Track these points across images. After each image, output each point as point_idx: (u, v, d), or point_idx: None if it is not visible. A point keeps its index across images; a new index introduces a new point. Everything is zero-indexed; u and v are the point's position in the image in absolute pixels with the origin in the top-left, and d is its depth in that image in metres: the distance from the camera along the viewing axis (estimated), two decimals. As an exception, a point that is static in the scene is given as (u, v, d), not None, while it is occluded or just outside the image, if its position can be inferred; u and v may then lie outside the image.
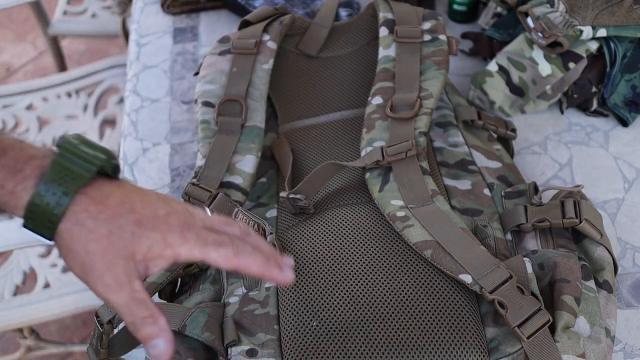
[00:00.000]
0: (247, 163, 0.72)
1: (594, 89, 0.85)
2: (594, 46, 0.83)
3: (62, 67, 1.72)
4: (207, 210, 0.57)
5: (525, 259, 0.60)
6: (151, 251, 0.47)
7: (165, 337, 0.46)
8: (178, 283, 0.70)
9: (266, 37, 0.82)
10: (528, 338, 0.55)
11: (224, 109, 0.75)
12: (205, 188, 0.68)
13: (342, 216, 0.67)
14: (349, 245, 0.64)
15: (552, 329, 0.57)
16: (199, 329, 0.59)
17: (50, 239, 0.47)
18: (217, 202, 0.67)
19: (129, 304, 0.46)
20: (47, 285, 1.16)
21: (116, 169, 0.49)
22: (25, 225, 0.47)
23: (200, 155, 0.73)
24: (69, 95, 1.47)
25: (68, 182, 0.45)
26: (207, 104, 0.76)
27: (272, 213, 0.72)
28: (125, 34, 1.57)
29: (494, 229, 0.66)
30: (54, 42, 1.68)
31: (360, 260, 0.63)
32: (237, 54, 0.80)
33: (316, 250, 0.65)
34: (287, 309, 0.61)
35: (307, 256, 0.64)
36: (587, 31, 0.81)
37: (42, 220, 0.46)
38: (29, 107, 1.47)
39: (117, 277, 0.46)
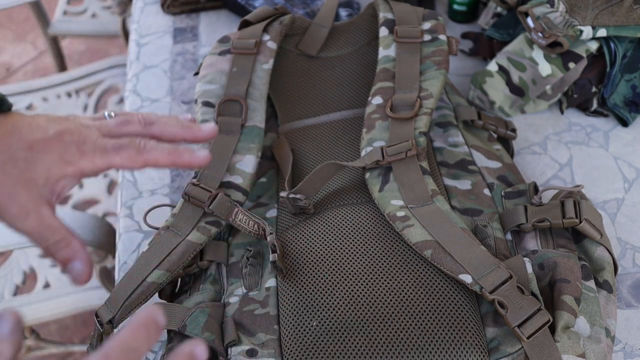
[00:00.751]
0: (247, 163, 0.72)
1: (594, 89, 0.85)
2: (594, 46, 0.83)
3: (62, 67, 1.72)
4: (106, 113, 0.53)
5: (525, 259, 0.60)
6: (51, 173, 0.46)
7: (80, 258, 0.47)
8: (178, 283, 0.70)
9: (266, 37, 0.82)
10: (528, 338, 0.55)
11: (224, 109, 0.75)
12: (205, 188, 0.68)
13: (342, 216, 0.67)
14: (349, 245, 0.64)
15: (552, 329, 0.57)
16: (199, 329, 0.59)
17: None
18: (216, 202, 0.67)
19: (38, 231, 0.46)
20: (47, 285, 1.16)
21: (6, 104, 0.48)
22: None
23: None
24: (69, 95, 1.47)
25: None
26: (207, 104, 0.76)
27: (272, 213, 0.72)
28: (125, 34, 1.57)
29: (494, 229, 0.66)
30: (54, 42, 1.68)
31: (360, 260, 0.63)
32: (237, 54, 0.80)
33: (316, 250, 0.65)
34: (287, 308, 0.61)
35: (307, 256, 0.64)
36: (587, 31, 0.81)
37: None
38: (29, 107, 1.47)
39: (21, 206, 0.45)
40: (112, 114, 0.52)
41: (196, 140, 0.53)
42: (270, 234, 0.64)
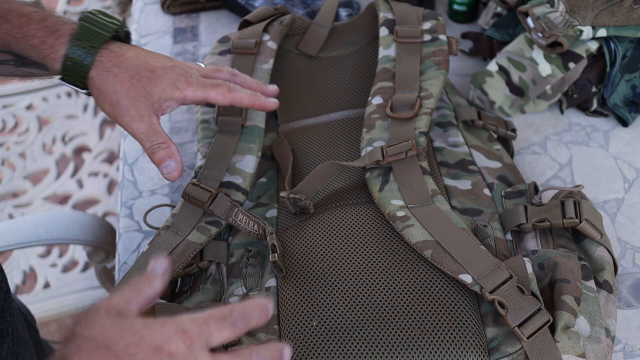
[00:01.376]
0: (247, 163, 0.72)
1: (594, 89, 0.85)
2: (594, 46, 0.83)
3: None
4: (199, 63, 0.68)
5: (525, 259, 0.60)
6: (164, 93, 0.60)
7: (175, 159, 0.61)
8: (178, 283, 0.70)
9: (266, 37, 0.82)
10: (528, 338, 0.55)
11: (224, 109, 0.75)
12: (205, 188, 0.68)
13: (342, 216, 0.67)
14: (349, 245, 0.64)
15: (552, 329, 0.57)
16: None
17: (83, 88, 0.59)
18: (216, 202, 0.67)
19: (147, 132, 0.59)
20: (47, 285, 1.16)
21: (128, 35, 0.63)
22: (62, 79, 0.59)
23: (200, 155, 0.73)
24: (69, 95, 1.47)
25: (93, 39, 0.58)
26: (207, 104, 0.76)
27: (272, 213, 0.72)
28: (125, 34, 1.57)
29: (494, 229, 0.66)
30: (54, 42, 1.68)
31: (361, 260, 0.63)
32: (238, 54, 0.80)
33: (316, 250, 0.65)
34: (287, 308, 0.61)
35: (307, 256, 0.64)
36: (587, 31, 0.81)
37: (75, 70, 0.58)
38: (29, 107, 1.47)
39: (139, 110, 0.59)
40: (203, 64, 0.67)
41: (264, 94, 0.67)
42: (271, 234, 0.64)
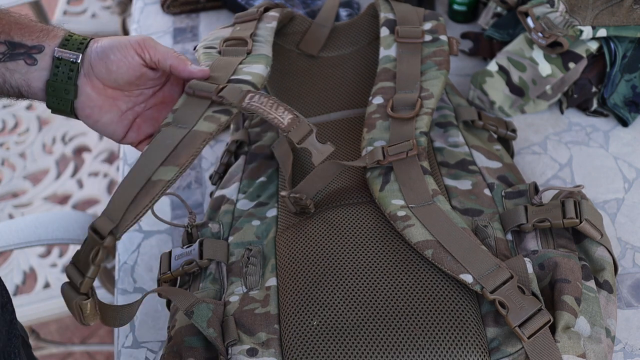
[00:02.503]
0: (257, 68, 0.67)
1: (594, 89, 0.85)
2: (594, 46, 0.83)
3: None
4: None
5: (525, 259, 0.60)
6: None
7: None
8: (178, 281, 0.70)
9: (269, 13, 0.81)
10: (529, 338, 0.55)
11: (228, 45, 0.72)
12: (211, 82, 0.64)
13: (343, 216, 0.67)
14: (349, 245, 0.64)
15: (553, 329, 0.57)
16: (205, 322, 0.59)
17: (79, 55, 0.62)
18: (227, 89, 0.62)
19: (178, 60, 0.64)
20: (47, 285, 1.16)
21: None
22: (59, 46, 0.62)
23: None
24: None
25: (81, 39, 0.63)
26: (209, 47, 0.73)
27: (272, 212, 0.72)
28: (125, 34, 1.57)
29: (494, 229, 0.66)
30: (54, 42, 1.68)
31: (361, 259, 0.63)
32: (240, 23, 0.78)
33: (317, 250, 0.65)
34: (287, 308, 0.61)
35: (307, 256, 0.64)
36: (587, 31, 0.81)
37: (75, 43, 0.62)
38: (29, 107, 1.47)
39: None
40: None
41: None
42: (310, 126, 0.60)
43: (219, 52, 0.71)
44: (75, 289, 0.55)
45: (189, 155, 0.58)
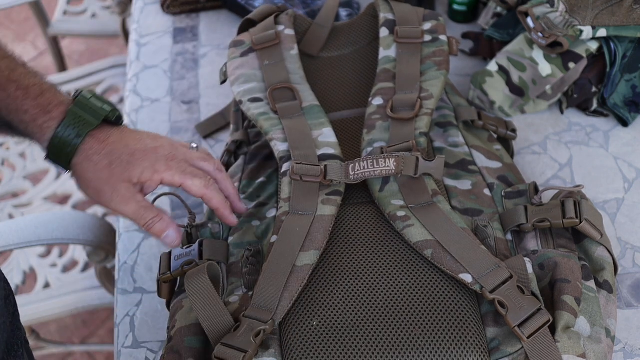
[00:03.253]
0: (328, 134, 0.72)
1: (594, 89, 0.85)
2: (594, 46, 0.83)
3: (62, 67, 1.72)
4: (192, 144, 0.67)
5: (525, 259, 0.60)
6: (143, 175, 0.60)
7: (172, 227, 0.62)
8: (177, 282, 0.70)
9: (281, 27, 0.82)
10: (528, 338, 0.55)
11: (277, 98, 0.75)
12: (310, 164, 0.68)
13: (343, 216, 0.67)
14: (349, 245, 0.64)
15: (553, 329, 0.57)
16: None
17: (65, 169, 0.61)
18: (330, 172, 0.67)
19: (138, 211, 0.60)
20: (47, 285, 1.16)
21: (119, 118, 0.63)
22: (47, 157, 0.60)
23: (277, 142, 0.72)
24: (69, 95, 1.47)
25: (80, 126, 0.59)
26: (254, 99, 0.76)
27: (272, 212, 0.72)
28: (125, 34, 1.57)
29: (494, 229, 0.66)
30: (54, 42, 1.68)
31: (361, 259, 0.63)
32: (262, 49, 0.80)
33: (316, 250, 0.65)
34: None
35: (307, 256, 0.64)
36: (587, 31, 0.81)
37: (59, 154, 0.59)
38: (29, 107, 1.46)
39: (122, 195, 0.60)
40: (195, 146, 0.67)
41: (234, 208, 0.67)
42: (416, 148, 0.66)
43: (275, 111, 0.74)
44: None
45: (324, 238, 0.63)
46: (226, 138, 0.90)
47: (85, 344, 1.54)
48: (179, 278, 0.69)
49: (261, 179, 0.76)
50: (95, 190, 0.61)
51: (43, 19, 1.60)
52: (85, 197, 0.62)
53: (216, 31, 1.07)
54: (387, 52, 0.78)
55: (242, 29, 0.87)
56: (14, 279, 1.18)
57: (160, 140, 0.64)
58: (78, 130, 0.59)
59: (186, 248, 0.68)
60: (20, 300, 1.13)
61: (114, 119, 0.63)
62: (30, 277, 1.19)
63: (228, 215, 0.65)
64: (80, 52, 2.25)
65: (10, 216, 1.27)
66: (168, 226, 0.61)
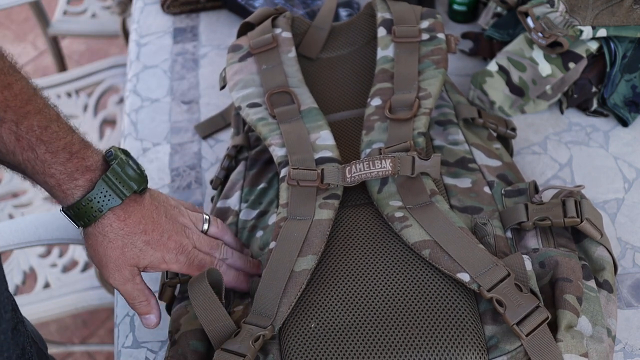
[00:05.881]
0: (326, 137, 0.71)
1: (594, 89, 0.85)
2: (594, 46, 0.83)
3: (62, 67, 1.72)
4: (205, 216, 0.69)
5: (525, 256, 0.60)
6: (151, 264, 0.63)
7: (154, 312, 0.65)
8: (177, 288, 0.70)
9: (278, 30, 0.82)
10: (527, 335, 0.55)
11: (275, 102, 0.75)
12: (307, 169, 0.67)
13: (341, 218, 0.67)
14: (347, 247, 0.64)
15: (555, 327, 0.57)
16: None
17: (78, 227, 0.61)
18: (327, 175, 0.67)
19: (131, 293, 0.63)
20: (47, 285, 1.16)
21: (145, 188, 0.63)
22: (64, 211, 0.60)
23: (276, 147, 0.72)
24: (69, 95, 1.47)
25: (105, 202, 0.59)
26: (253, 105, 0.76)
27: (272, 219, 0.72)
28: (125, 34, 1.57)
29: (493, 227, 0.66)
30: (54, 42, 1.68)
31: (359, 261, 0.63)
32: (259, 53, 0.80)
33: (315, 251, 0.65)
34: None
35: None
36: (587, 31, 0.81)
37: (78, 218, 0.60)
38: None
39: (124, 276, 0.62)
40: (207, 218, 0.69)
41: (249, 271, 0.68)
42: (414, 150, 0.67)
43: (273, 116, 0.74)
44: None
45: (322, 242, 0.63)
46: (226, 137, 0.90)
47: (85, 344, 1.54)
48: (179, 284, 0.70)
49: (262, 185, 0.76)
50: (100, 263, 0.62)
51: (43, 19, 1.60)
52: (90, 259, 0.64)
53: (216, 31, 1.07)
54: (384, 52, 0.78)
55: (241, 33, 0.87)
56: (14, 279, 1.18)
57: (175, 225, 0.64)
58: (101, 205, 0.59)
59: None
60: (20, 300, 1.13)
61: (140, 191, 0.62)
62: (30, 277, 1.20)
63: (244, 287, 0.67)
64: (80, 52, 2.25)
65: (10, 216, 1.27)
66: (151, 310, 0.65)
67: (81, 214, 0.59)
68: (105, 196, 0.59)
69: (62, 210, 0.60)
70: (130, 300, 0.63)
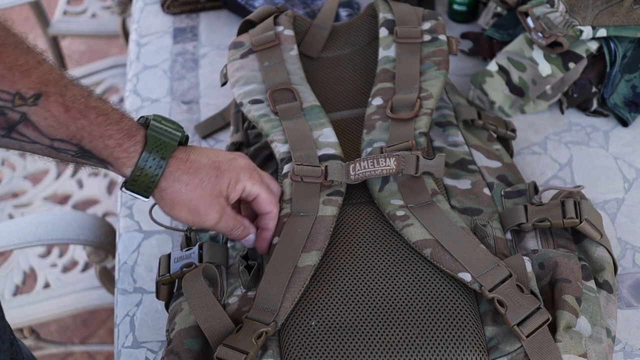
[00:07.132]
0: (329, 134, 0.72)
1: (594, 89, 0.85)
2: (594, 46, 0.83)
3: (62, 67, 1.71)
4: None
5: (525, 257, 0.60)
6: (230, 186, 0.62)
7: (252, 231, 0.66)
8: (176, 284, 0.70)
9: (280, 28, 0.82)
10: (527, 337, 0.55)
11: (277, 99, 0.75)
12: (311, 165, 0.68)
13: (343, 215, 0.67)
14: (348, 245, 0.64)
15: (554, 328, 0.57)
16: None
17: (146, 197, 0.60)
18: (330, 172, 0.67)
19: (229, 224, 0.63)
20: (47, 285, 1.16)
21: (187, 139, 0.63)
22: (125, 185, 0.59)
23: (278, 143, 0.72)
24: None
25: (162, 149, 0.59)
26: (255, 101, 0.76)
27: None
28: (125, 34, 1.57)
29: (493, 228, 0.66)
30: (54, 42, 1.68)
31: (360, 259, 0.63)
32: (261, 50, 0.80)
33: (316, 250, 0.65)
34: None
35: (307, 256, 0.64)
36: (587, 31, 0.81)
37: (143, 181, 0.59)
38: (29, 107, 1.46)
39: (217, 211, 0.62)
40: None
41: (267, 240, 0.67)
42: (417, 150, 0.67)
43: (275, 113, 0.74)
44: None
45: (326, 239, 0.63)
46: (225, 138, 0.90)
47: (85, 344, 1.54)
48: (177, 280, 0.69)
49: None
50: (190, 211, 0.61)
51: (43, 19, 1.60)
52: (174, 220, 0.63)
53: (216, 31, 1.07)
54: (386, 52, 0.78)
55: (242, 30, 0.87)
56: (14, 279, 1.18)
57: (229, 154, 0.65)
58: (162, 153, 0.58)
59: (185, 251, 0.68)
60: (20, 300, 1.13)
61: (184, 141, 0.63)
62: (30, 277, 1.19)
63: (268, 243, 0.66)
64: (80, 52, 2.25)
65: (10, 216, 1.27)
66: (249, 231, 0.66)
67: (149, 169, 0.58)
68: (161, 145, 0.59)
69: (124, 185, 0.59)
70: (229, 232, 0.64)
